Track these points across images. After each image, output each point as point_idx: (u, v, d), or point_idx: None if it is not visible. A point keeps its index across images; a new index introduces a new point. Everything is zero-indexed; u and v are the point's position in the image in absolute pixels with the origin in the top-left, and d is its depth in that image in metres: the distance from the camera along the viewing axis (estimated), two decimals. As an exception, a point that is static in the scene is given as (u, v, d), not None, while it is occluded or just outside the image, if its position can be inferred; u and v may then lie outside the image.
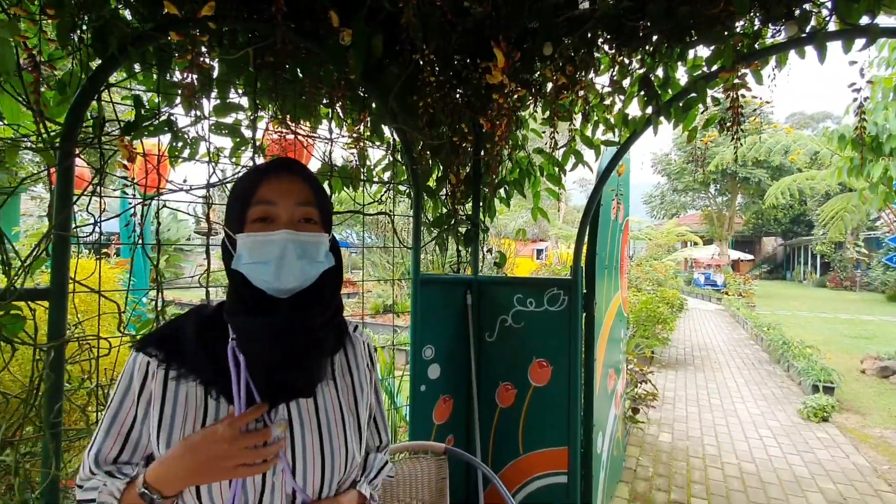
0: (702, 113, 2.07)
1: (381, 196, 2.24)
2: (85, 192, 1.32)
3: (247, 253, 0.74)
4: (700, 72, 1.94)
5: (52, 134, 1.31)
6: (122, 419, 0.77)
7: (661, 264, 10.29)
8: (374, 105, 2.02)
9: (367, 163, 2.18)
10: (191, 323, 0.79)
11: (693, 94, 1.89)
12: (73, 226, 1.31)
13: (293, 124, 1.86)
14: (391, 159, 2.25)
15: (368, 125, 2.04)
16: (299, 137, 1.91)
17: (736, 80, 1.72)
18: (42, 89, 1.31)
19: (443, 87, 1.91)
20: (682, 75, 2.08)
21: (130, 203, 1.57)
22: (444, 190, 2.43)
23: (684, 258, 20.69)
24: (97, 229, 1.36)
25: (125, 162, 1.36)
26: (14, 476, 1.23)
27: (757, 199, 26.82)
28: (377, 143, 2.21)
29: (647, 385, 4.15)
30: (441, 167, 2.39)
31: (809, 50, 1.69)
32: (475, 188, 2.46)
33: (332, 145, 1.96)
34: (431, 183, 2.37)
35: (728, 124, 2.01)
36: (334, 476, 0.78)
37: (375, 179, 2.25)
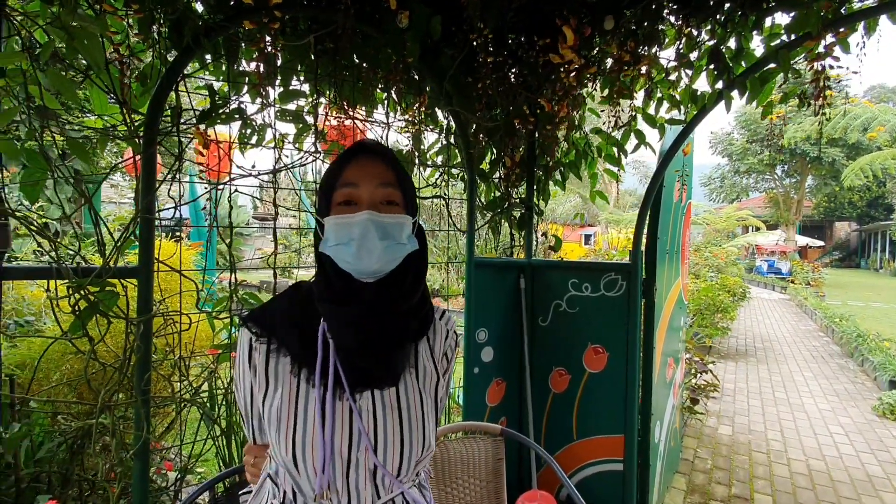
0: (779, 86, 1.92)
1: (436, 180, 2.25)
2: (166, 179, 1.41)
3: (332, 235, 0.76)
4: (778, 41, 1.80)
5: (137, 124, 1.40)
6: (244, 395, 0.83)
7: (721, 250, 9.75)
8: (428, 88, 2.01)
9: (422, 146, 2.19)
10: (286, 301, 0.83)
11: (770, 66, 1.75)
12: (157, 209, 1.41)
13: (350, 110, 1.90)
14: (444, 142, 2.25)
15: (423, 107, 2.04)
16: (356, 122, 1.95)
17: (821, 49, 1.58)
18: (125, 81, 1.40)
19: (501, 69, 1.87)
20: (755, 45, 1.93)
21: (199, 189, 1.66)
22: (498, 173, 2.40)
23: (745, 244, 19.49)
24: (178, 213, 1.45)
25: (201, 149, 1.44)
26: (111, 437, 1.36)
27: (829, 181, 24.74)
28: (430, 127, 2.22)
29: (707, 375, 3.98)
30: (494, 150, 2.36)
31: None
32: (529, 171, 2.41)
33: (388, 129, 1.98)
34: (485, 166, 2.36)
35: (808, 99, 1.86)
36: (412, 457, 0.80)
37: (429, 163, 2.26)
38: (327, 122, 1.91)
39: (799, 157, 23.10)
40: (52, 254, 1.27)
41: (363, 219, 0.74)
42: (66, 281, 1.27)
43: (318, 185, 1.86)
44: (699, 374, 3.91)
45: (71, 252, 1.33)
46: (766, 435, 3.93)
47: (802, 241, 25.33)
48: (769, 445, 3.72)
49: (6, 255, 1.30)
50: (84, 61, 1.35)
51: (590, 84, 2.14)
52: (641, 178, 25.98)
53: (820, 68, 1.52)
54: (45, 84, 1.25)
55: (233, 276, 1.54)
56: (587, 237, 19.12)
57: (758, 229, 19.62)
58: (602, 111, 2.30)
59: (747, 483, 3.11)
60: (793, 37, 1.69)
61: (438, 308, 0.94)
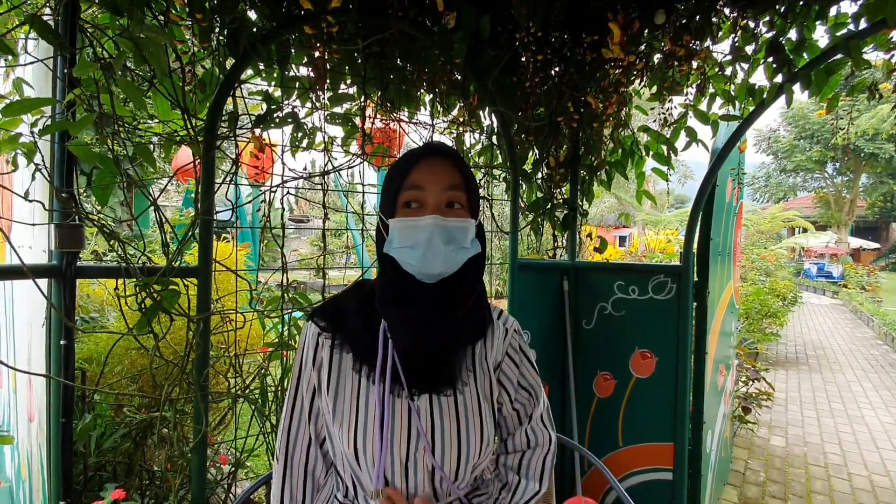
0: (846, 78, 1.82)
1: (479, 181, 2.23)
2: (224, 182, 1.46)
3: (397, 237, 0.77)
4: (845, 30, 1.70)
5: (197, 129, 1.45)
6: (305, 395, 0.84)
7: (769, 253, 9.31)
8: (471, 88, 2.01)
9: (464, 147, 2.18)
10: (351, 298, 0.85)
11: (836, 57, 1.66)
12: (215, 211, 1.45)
13: (395, 111, 1.91)
14: (485, 143, 2.24)
15: (470, 108, 2.04)
16: (401, 124, 1.96)
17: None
18: (186, 88, 1.46)
19: (548, 67, 1.85)
20: (817, 36, 1.83)
21: (243, 192, 1.71)
22: (541, 173, 2.37)
23: (792, 246, 18.55)
24: (234, 215, 1.50)
25: (256, 153, 1.48)
26: (173, 430, 1.42)
27: (886, 179, 23.28)
28: (471, 128, 2.21)
29: (759, 383, 3.80)
30: (537, 150, 2.33)
31: None
32: (573, 171, 2.37)
33: (433, 131, 1.99)
34: (527, 166, 2.33)
35: (879, 91, 1.76)
36: (469, 459, 0.80)
37: (472, 164, 2.25)
38: (372, 125, 1.93)
39: (852, 154, 21.82)
40: (120, 254, 1.33)
41: (429, 223, 0.74)
42: (130, 280, 1.33)
43: (363, 185, 1.89)
44: (751, 382, 3.73)
45: (133, 252, 1.39)
46: (823, 447, 3.72)
47: (856, 242, 23.91)
48: (827, 459, 3.52)
49: (78, 255, 1.37)
50: (149, 70, 1.41)
51: (637, 81, 2.08)
52: (680, 177, 25.14)
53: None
54: (115, 92, 1.32)
55: (284, 276, 1.58)
56: (622, 239, 18.63)
57: (805, 230, 18.65)
58: (651, 109, 2.24)
59: (804, 498, 2.94)
60: (861, 26, 1.60)
61: (496, 308, 0.93)
